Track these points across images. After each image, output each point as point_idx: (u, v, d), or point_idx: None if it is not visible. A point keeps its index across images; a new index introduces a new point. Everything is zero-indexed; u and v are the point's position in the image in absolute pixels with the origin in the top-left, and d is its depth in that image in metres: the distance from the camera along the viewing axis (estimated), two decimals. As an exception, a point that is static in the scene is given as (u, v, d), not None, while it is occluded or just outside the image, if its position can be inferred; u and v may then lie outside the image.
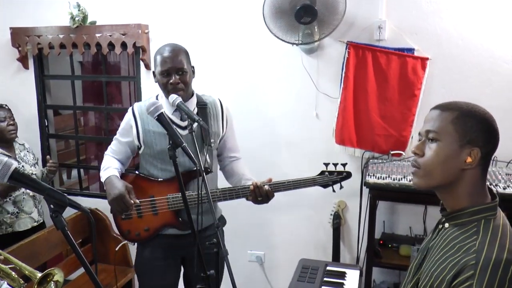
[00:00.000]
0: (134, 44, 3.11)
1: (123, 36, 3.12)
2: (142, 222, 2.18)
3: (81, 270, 3.01)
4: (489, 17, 2.55)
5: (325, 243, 3.03)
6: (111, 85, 4.70)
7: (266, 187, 2.08)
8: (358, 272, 2.11)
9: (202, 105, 2.19)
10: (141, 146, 2.18)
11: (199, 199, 1.75)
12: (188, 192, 2.11)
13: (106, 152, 2.29)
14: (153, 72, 2.14)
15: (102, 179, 2.18)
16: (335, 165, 2.16)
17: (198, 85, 3.06)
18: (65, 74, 3.68)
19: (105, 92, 3.48)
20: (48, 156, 3.22)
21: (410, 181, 2.46)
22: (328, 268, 2.11)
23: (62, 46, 3.29)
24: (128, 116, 2.20)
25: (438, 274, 1.14)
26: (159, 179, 2.17)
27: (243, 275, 3.23)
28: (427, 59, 2.65)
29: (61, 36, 3.25)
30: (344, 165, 2.18)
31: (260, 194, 2.09)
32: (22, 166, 2.99)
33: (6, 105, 3.07)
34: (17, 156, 3.02)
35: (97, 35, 3.17)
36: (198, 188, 1.77)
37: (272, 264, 3.26)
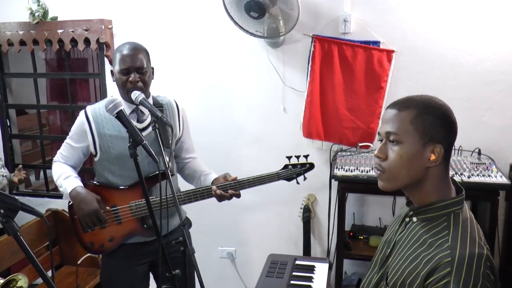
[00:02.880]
0: (98, 40, 3.03)
1: (86, 32, 3.04)
2: (105, 233, 2.10)
3: (48, 274, 2.93)
4: (452, 9, 2.59)
5: (296, 237, 3.04)
6: (77, 82, 4.58)
7: (230, 191, 2.06)
8: (327, 265, 2.11)
9: (159, 107, 2.12)
10: (96, 153, 2.09)
11: (161, 201, 1.71)
12: (151, 197, 2.01)
13: (55, 158, 2.17)
14: (111, 71, 2.07)
15: (64, 189, 2.08)
16: (298, 157, 2.15)
17: (164, 81, 3.03)
18: (27, 72, 3.56)
19: (69, 90, 3.39)
20: (20, 165, 2.97)
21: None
22: (297, 262, 2.11)
23: (22, 43, 3.18)
24: (81, 120, 2.09)
25: (412, 270, 1.15)
26: (120, 187, 2.09)
27: (215, 272, 3.21)
28: (393, 51, 2.67)
29: (20, 32, 3.14)
30: (306, 156, 2.16)
31: (223, 199, 2.08)
32: None
33: None
34: None
35: (59, 31, 3.08)
36: (160, 190, 1.71)
37: (244, 260, 3.24)
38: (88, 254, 2.31)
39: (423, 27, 2.64)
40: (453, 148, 1.26)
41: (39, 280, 3.05)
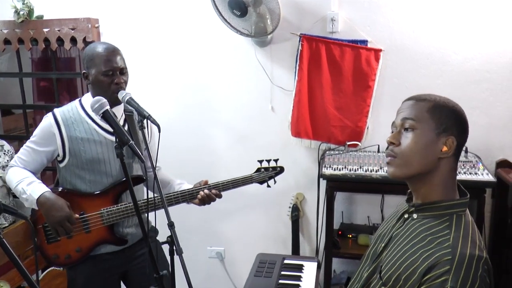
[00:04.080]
0: (84, 39, 2.99)
1: (72, 31, 3.00)
2: (72, 243, 1.97)
3: (34, 277, 2.89)
4: (439, 9, 2.60)
5: (284, 236, 3.04)
6: (64, 82, 4.52)
7: (214, 191, 2.07)
8: (315, 264, 2.11)
9: (129, 113, 2.07)
10: (64, 157, 1.98)
11: (148, 203, 1.70)
12: (124, 204, 2.00)
13: (12, 163, 2.02)
14: (84, 73, 1.98)
15: (28, 196, 1.91)
16: (268, 161, 2.22)
17: (152, 79, 3.01)
18: (12, 72, 3.52)
19: (56, 90, 3.35)
20: None
21: (366, 171, 2.49)
22: (285, 261, 2.11)
23: (7, 41, 3.14)
24: (48, 122, 1.99)
25: (408, 266, 1.14)
26: (89, 193, 1.99)
27: (204, 271, 3.21)
28: (380, 50, 2.67)
29: (5, 31, 3.09)
30: (276, 160, 2.24)
31: (209, 201, 2.08)
32: None
33: None
34: None
35: (45, 30, 3.04)
36: (147, 192, 1.72)
37: (233, 260, 3.24)
38: (52, 268, 2.14)
39: (410, 26, 2.66)
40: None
41: (25, 283, 3.02)
